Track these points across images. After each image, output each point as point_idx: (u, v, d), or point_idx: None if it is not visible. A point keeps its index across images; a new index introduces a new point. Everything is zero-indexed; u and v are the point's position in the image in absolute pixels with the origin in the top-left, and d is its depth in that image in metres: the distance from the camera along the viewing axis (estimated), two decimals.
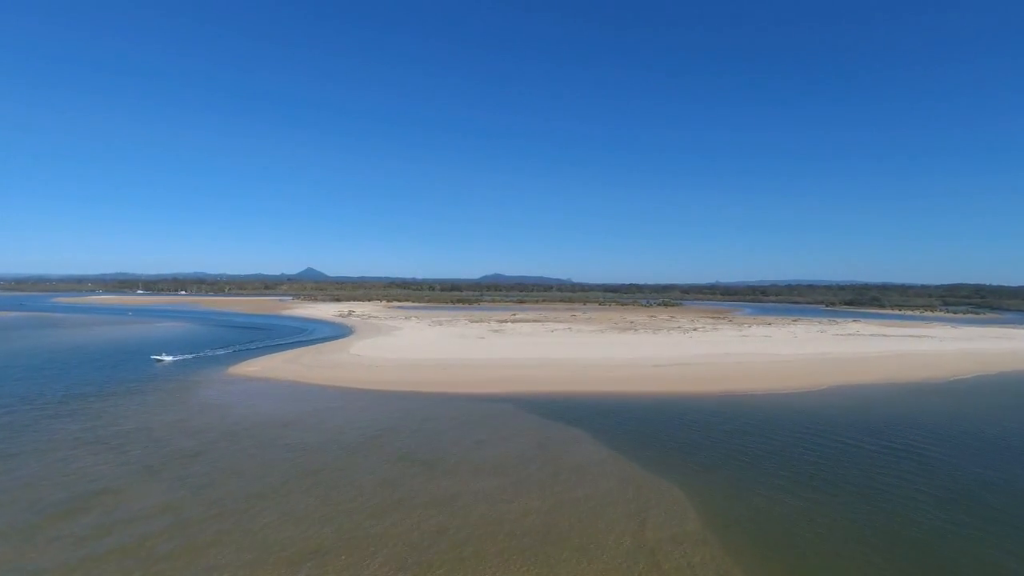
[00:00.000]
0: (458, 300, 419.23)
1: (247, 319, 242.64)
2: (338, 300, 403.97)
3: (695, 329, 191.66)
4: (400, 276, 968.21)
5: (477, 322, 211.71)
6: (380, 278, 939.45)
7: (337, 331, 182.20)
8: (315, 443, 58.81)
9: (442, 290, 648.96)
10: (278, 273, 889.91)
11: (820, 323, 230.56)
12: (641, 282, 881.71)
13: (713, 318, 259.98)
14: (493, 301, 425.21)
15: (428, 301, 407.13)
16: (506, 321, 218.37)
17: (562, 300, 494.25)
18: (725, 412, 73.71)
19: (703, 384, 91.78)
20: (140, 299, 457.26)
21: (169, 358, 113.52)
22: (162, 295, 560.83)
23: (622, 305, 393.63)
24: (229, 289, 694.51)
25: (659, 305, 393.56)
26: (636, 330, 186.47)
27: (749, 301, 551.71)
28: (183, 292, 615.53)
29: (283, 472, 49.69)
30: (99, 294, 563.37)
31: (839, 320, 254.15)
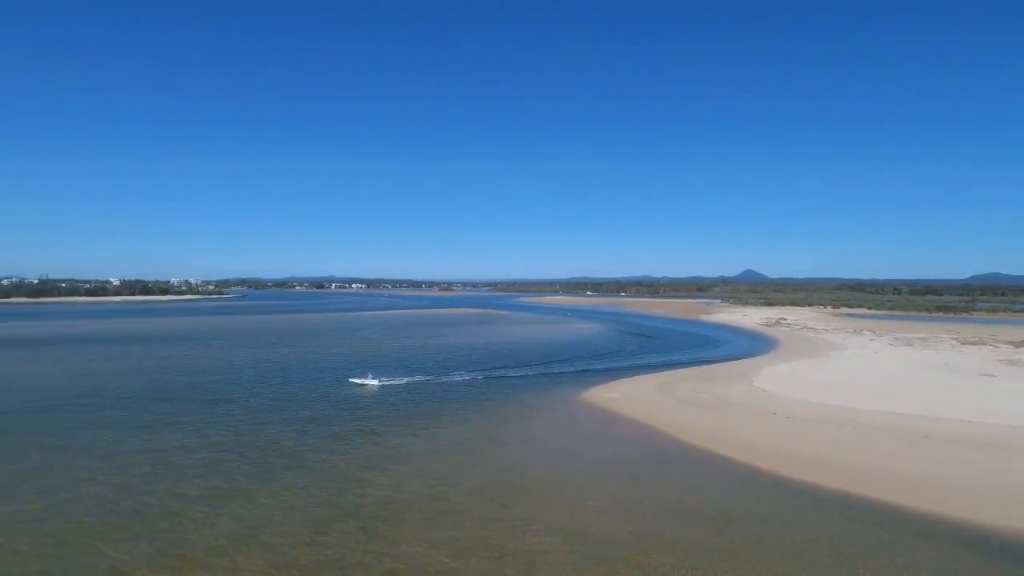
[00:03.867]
0: (938, 308, 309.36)
1: (656, 323, 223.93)
2: (771, 304, 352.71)
3: None
4: (854, 277, 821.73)
5: (973, 344, 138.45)
6: (828, 279, 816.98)
7: (753, 345, 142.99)
8: None
9: (912, 293, 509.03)
10: (716, 275, 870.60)
11: None
12: None
13: None
14: (992, 311, 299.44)
15: (891, 308, 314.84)
16: None
17: None
18: None
19: None
20: (584, 300, 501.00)
21: (527, 371, 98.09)
22: (604, 296, 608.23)
23: None
24: (663, 291, 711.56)
25: None
26: None
27: None
28: (623, 294, 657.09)
29: None
30: (557, 295, 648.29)
31: None
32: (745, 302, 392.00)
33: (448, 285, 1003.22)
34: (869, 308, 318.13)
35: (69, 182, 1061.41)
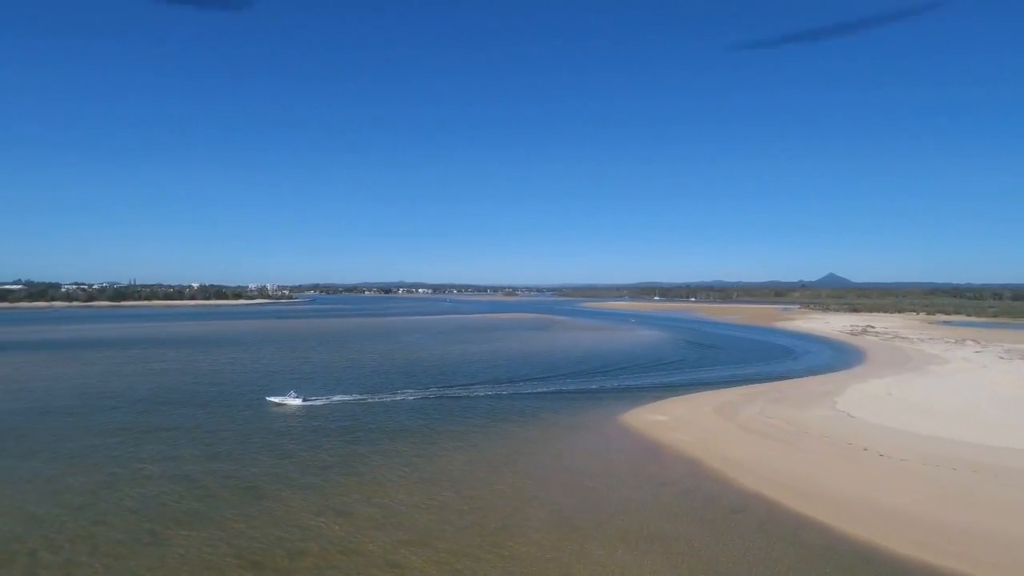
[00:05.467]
0: None
1: (726, 330, 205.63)
2: (855, 311, 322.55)
3: None
4: (948, 282, 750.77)
5: None
6: (918, 284, 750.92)
7: (836, 357, 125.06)
8: None
9: (1015, 299, 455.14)
10: (795, 280, 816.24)
11: None
12: None
13: None
14: None
15: (994, 315, 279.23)
16: None
17: None
18: None
19: None
20: (650, 305, 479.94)
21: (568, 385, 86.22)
22: (673, 301, 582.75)
23: None
24: (737, 296, 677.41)
25: None
26: None
27: None
28: (692, 299, 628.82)
29: None
30: (623, 300, 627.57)
31: None
32: (827, 308, 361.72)
33: (512, 290, 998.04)
34: (968, 315, 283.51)
35: (168, 191, 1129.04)
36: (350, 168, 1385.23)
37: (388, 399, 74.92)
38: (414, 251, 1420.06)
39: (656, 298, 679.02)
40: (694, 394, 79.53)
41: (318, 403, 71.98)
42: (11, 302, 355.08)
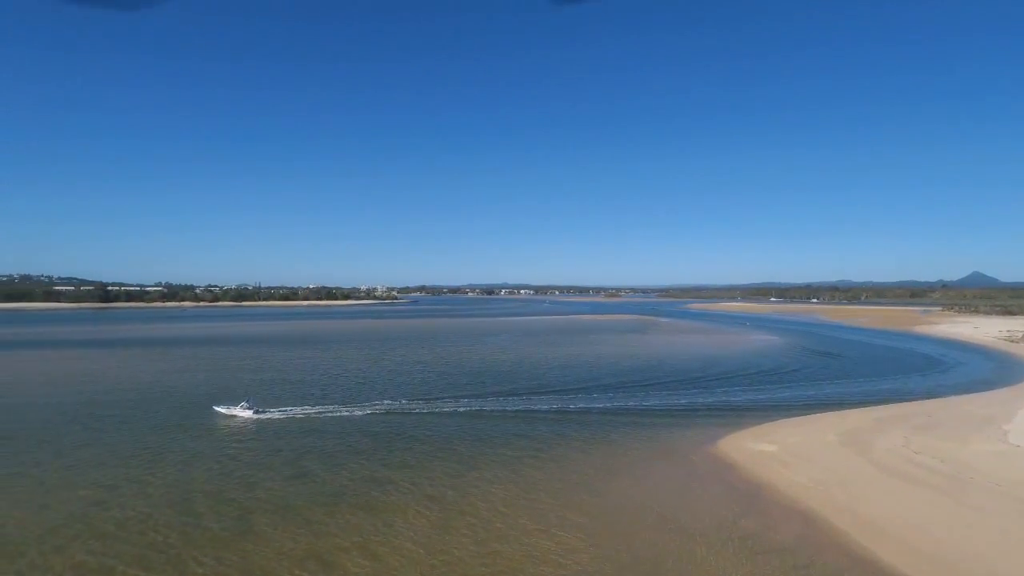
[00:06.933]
0: None
1: (854, 335, 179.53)
2: (1010, 313, 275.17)
3: None
4: None
5: None
6: None
7: (996, 370, 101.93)
8: None
9: None
10: (934, 279, 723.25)
11: None
12: None
13: None
14: None
15: None
16: None
17: None
18: None
19: None
20: (766, 307, 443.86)
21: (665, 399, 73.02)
22: (791, 303, 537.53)
23: None
24: (866, 297, 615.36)
25: None
26: None
27: None
28: (814, 300, 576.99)
29: None
30: (735, 301, 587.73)
31: None
32: (974, 310, 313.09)
33: (616, 291, 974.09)
34: None
35: (300, 199, 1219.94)
36: (455, 174, 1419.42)
37: (440, 408, 66.12)
38: (517, 252, 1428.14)
39: (772, 299, 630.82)
40: (813, 415, 63.97)
41: (339, 414, 64.37)
42: (147, 302, 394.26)
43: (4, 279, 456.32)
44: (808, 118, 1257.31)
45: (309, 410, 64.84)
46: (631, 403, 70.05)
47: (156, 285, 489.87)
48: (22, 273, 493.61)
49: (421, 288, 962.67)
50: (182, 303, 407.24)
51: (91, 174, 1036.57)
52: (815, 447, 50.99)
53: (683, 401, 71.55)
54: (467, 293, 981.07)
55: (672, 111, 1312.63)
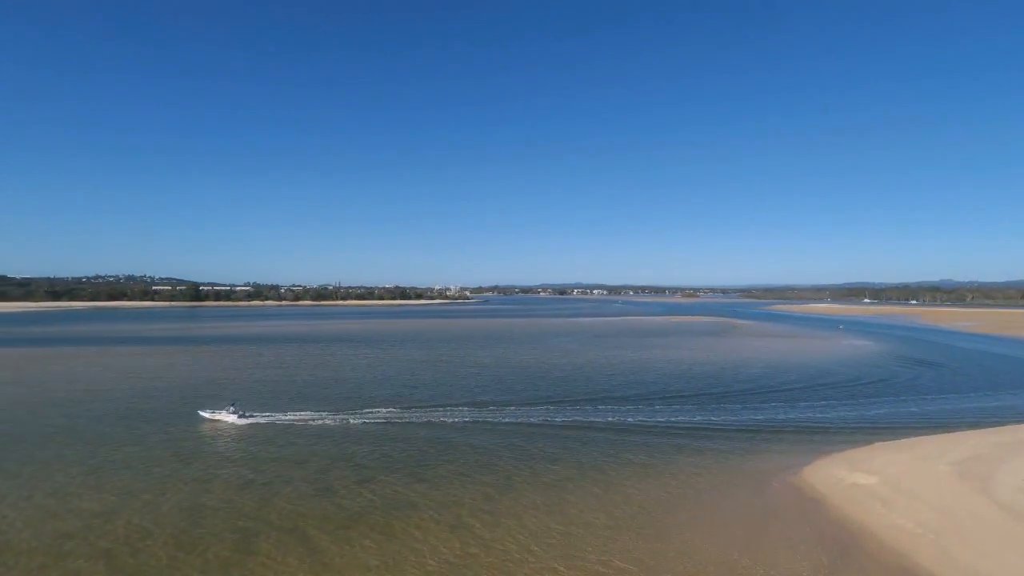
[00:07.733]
0: None
1: (961, 341, 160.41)
2: None
3: None
4: None
5: None
6: None
7: None
8: None
9: None
10: None
11: None
12: None
13: None
14: None
15: None
16: None
17: None
18: None
19: None
20: (859, 309, 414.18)
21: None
22: (886, 304, 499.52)
23: None
24: (972, 298, 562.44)
25: None
26: None
27: None
28: (913, 302, 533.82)
29: None
30: (824, 302, 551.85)
31: None
32: None
33: (693, 291, 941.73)
34: None
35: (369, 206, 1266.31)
36: (535, 173, 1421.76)
37: (485, 418, 61.43)
38: (591, 251, 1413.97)
39: (866, 300, 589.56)
40: (919, 438, 54.38)
41: (365, 420, 60.73)
42: (234, 301, 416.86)
43: (111, 279, 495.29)
44: (915, 110, 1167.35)
45: (326, 419, 61.90)
46: (699, 417, 62.62)
47: (245, 285, 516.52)
48: (127, 274, 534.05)
49: (494, 288, 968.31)
50: (265, 302, 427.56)
51: (194, 178, 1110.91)
52: (923, 480, 42.29)
53: (760, 417, 63.22)
54: (539, 293, 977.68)
55: (764, 110, 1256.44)
